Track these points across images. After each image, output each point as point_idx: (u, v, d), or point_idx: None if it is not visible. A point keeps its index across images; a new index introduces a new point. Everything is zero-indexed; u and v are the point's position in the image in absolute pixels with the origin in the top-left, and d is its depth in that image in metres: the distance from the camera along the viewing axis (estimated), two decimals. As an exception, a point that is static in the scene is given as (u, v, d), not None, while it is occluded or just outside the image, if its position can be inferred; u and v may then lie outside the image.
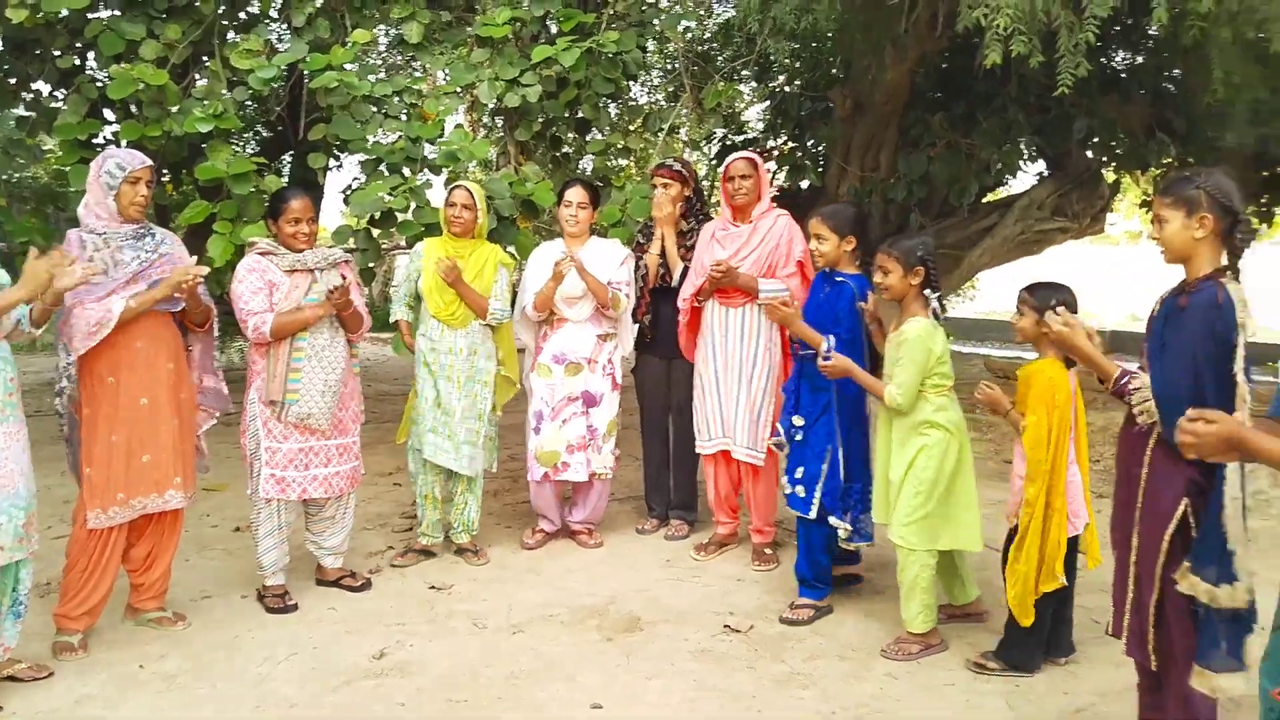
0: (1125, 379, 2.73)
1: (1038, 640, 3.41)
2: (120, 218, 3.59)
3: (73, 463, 3.68)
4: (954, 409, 3.61)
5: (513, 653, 3.63)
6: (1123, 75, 7.67)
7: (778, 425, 4.18)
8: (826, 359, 3.66)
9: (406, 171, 5.50)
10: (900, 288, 3.56)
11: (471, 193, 4.49)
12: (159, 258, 3.67)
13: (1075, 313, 3.22)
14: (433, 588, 4.28)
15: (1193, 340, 2.54)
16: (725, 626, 3.85)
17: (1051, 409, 3.25)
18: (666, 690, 3.34)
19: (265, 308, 3.89)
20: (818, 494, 3.92)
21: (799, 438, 4.02)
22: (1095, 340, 2.85)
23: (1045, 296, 3.29)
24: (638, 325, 4.97)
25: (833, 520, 3.91)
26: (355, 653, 3.61)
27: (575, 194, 4.72)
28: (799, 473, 3.98)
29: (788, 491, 4.02)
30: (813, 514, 3.91)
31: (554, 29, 6.26)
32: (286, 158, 8.98)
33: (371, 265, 5.61)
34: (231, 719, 3.14)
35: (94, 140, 5.66)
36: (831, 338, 3.77)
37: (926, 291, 3.57)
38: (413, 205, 5.31)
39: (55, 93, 6.45)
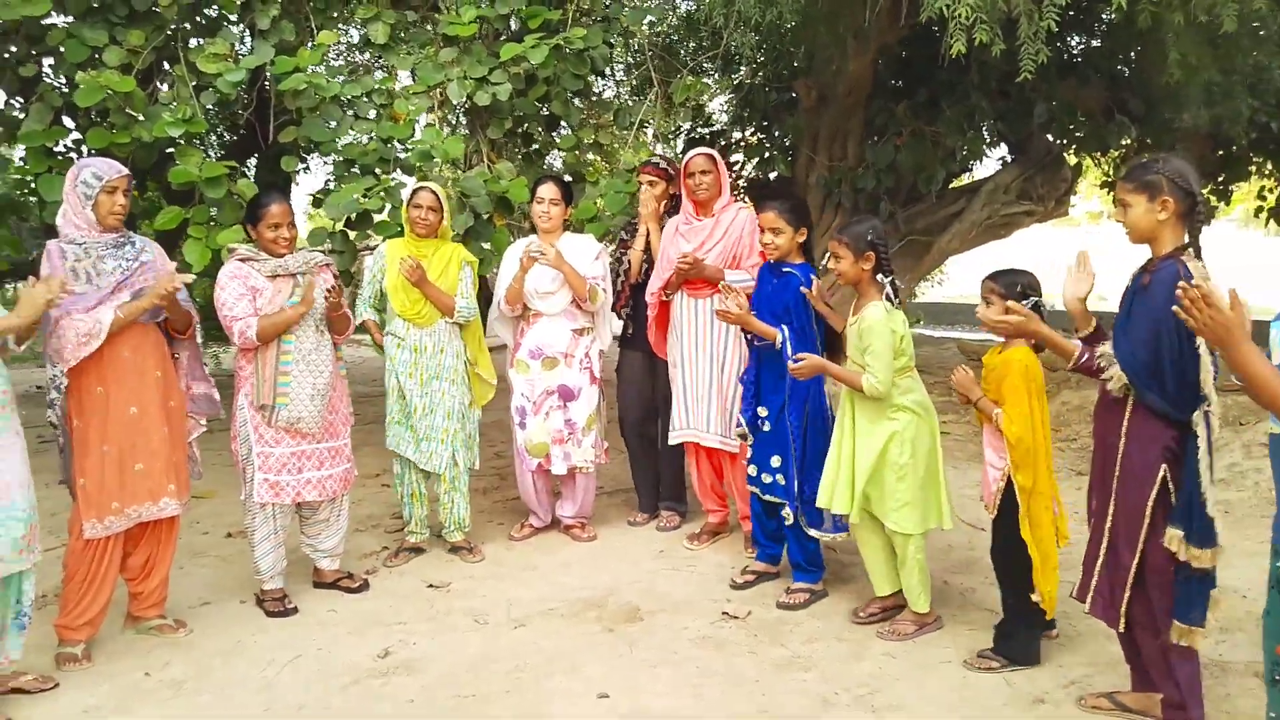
0: (1085, 356, 2.91)
1: (1036, 630, 3.46)
2: (99, 227, 3.58)
3: (66, 474, 3.66)
4: (919, 389, 3.67)
5: (515, 647, 3.67)
6: (1079, 59, 7.83)
7: (740, 416, 4.25)
8: (796, 362, 3.68)
9: (379, 172, 5.50)
10: (853, 273, 3.60)
11: (436, 194, 4.50)
12: (140, 266, 3.66)
13: (1040, 295, 3.33)
14: (431, 586, 4.31)
15: (1154, 314, 2.68)
16: (723, 614, 3.92)
17: (1032, 395, 3.30)
18: (670, 678, 3.40)
19: (249, 313, 3.90)
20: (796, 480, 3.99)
21: (765, 428, 4.09)
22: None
23: (1010, 283, 3.32)
24: (621, 321, 5.03)
25: (786, 511, 4.04)
26: (359, 653, 3.64)
27: (548, 190, 4.75)
28: (775, 461, 4.04)
29: (767, 481, 4.09)
30: (796, 502, 3.99)
31: (515, 26, 6.28)
32: (251, 161, 8.91)
33: (349, 269, 5.60)
34: (242, 723, 3.15)
35: (59, 148, 5.59)
36: (785, 328, 3.86)
37: (879, 276, 3.62)
38: (388, 206, 5.32)
39: (13, 101, 6.37)
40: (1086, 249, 3.13)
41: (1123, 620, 2.85)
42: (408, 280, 4.36)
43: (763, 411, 4.10)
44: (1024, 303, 3.28)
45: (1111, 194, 9.49)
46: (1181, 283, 2.13)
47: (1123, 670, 3.13)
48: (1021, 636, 3.43)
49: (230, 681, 3.43)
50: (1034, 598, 3.31)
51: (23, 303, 3.13)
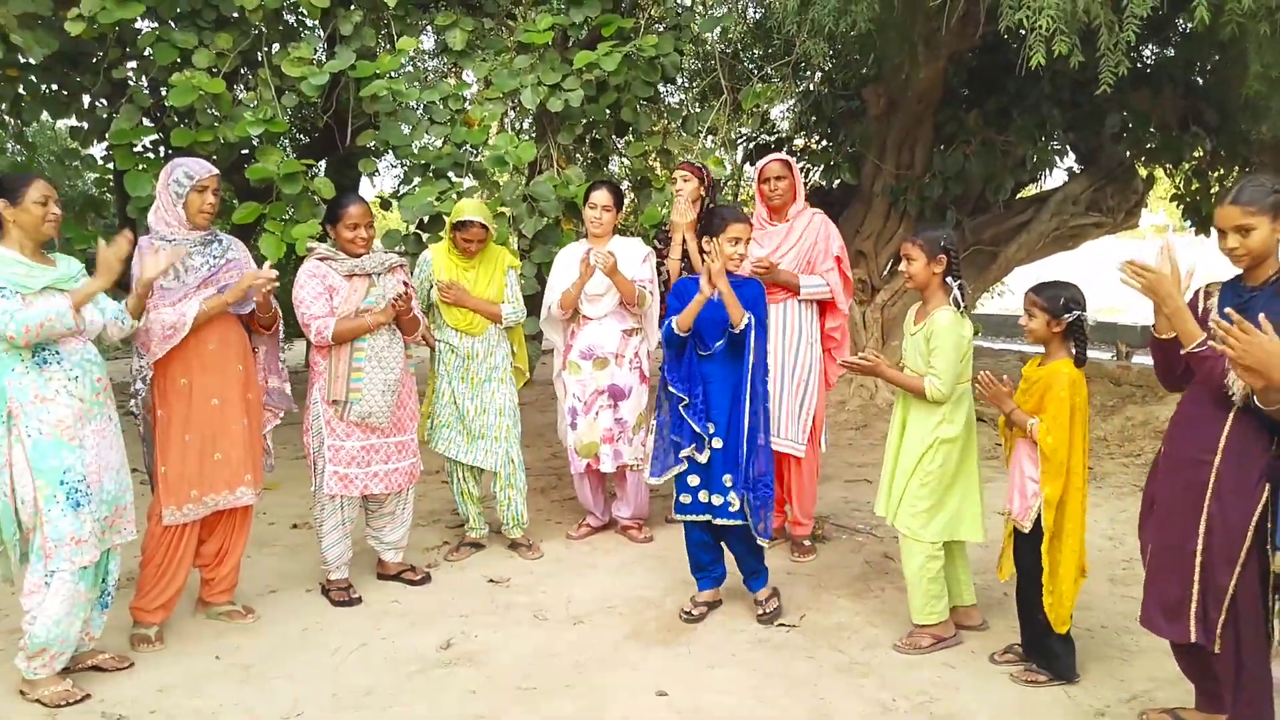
0: (1207, 345, 2.64)
1: (1071, 645, 3.40)
2: (189, 225, 3.72)
3: (147, 462, 3.81)
4: (968, 403, 3.64)
5: (575, 642, 3.73)
6: (1152, 69, 7.69)
7: (677, 437, 3.91)
8: (865, 359, 3.68)
9: (452, 176, 5.62)
10: (924, 276, 3.57)
11: (484, 223, 4.48)
12: (227, 262, 3.80)
13: (1084, 309, 3.28)
14: (491, 581, 4.39)
15: None
16: (780, 624, 3.92)
17: (1075, 410, 3.24)
18: (728, 678, 3.43)
19: (326, 312, 4.01)
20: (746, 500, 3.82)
21: (716, 444, 3.83)
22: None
23: (1053, 296, 3.29)
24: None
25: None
26: (422, 643, 3.72)
27: (601, 196, 4.80)
28: (727, 480, 3.82)
29: (719, 503, 3.84)
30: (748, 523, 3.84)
31: (586, 33, 6.36)
32: (322, 163, 9.13)
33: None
34: (311, 707, 3.25)
35: (139, 147, 5.79)
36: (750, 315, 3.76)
37: (949, 280, 3.59)
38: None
39: (98, 102, 6.61)
40: (1168, 244, 2.82)
41: (1219, 642, 2.75)
42: (446, 303, 4.49)
43: (710, 428, 3.83)
44: (1066, 316, 3.27)
45: (1182, 207, 9.31)
46: (1215, 319, 2.11)
47: (1184, 687, 3.09)
48: (1064, 653, 3.38)
49: (298, 667, 3.54)
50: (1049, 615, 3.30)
51: (100, 265, 3.28)
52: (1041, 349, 3.42)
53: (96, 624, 3.46)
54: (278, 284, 3.76)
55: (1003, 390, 3.38)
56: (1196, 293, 2.88)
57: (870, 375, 3.69)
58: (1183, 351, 2.70)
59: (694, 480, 3.89)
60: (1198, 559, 2.75)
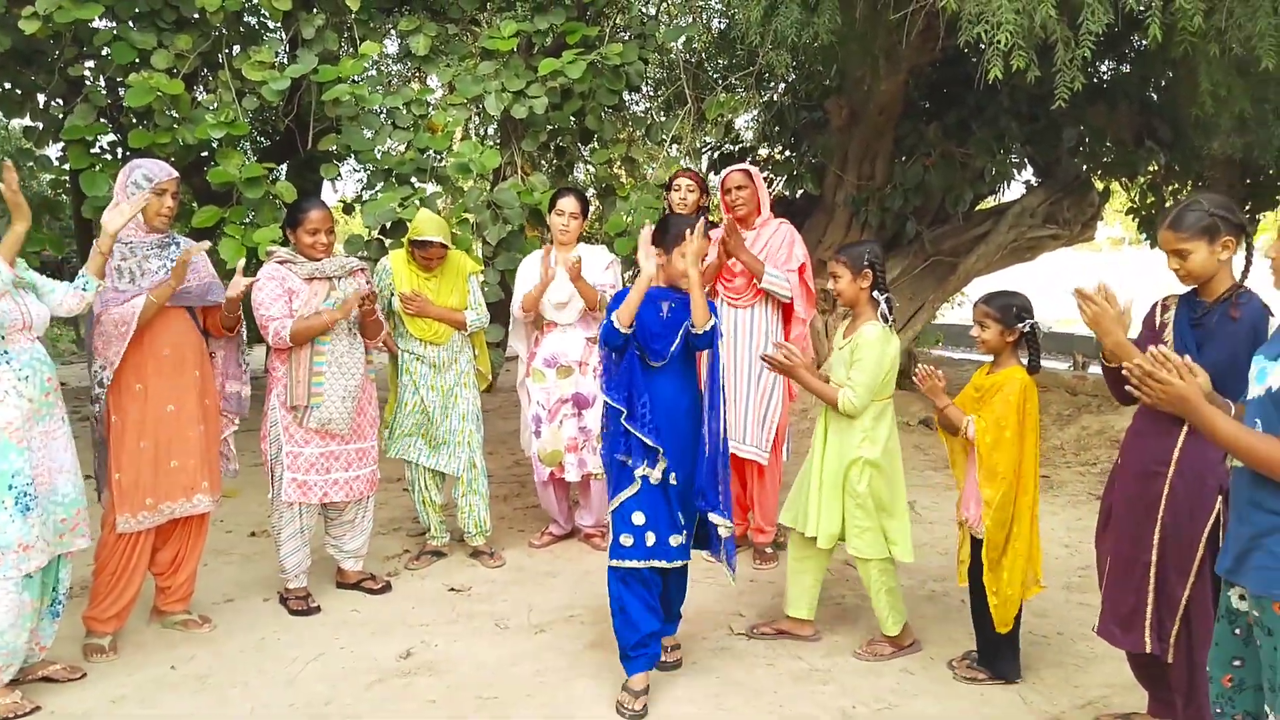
0: None
1: (1016, 647, 3.46)
2: (146, 227, 3.67)
3: (99, 469, 3.74)
4: (890, 419, 3.63)
5: (537, 652, 3.71)
6: (1109, 85, 7.83)
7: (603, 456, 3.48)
8: (786, 357, 3.53)
9: (415, 181, 5.59)
10: (851, 292, 3.56)
11: (443, 242, 4.45)
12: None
13: (1033, 318, 3.33)
14: (452, 589, 4.36)
15: (1237, 343, 2.62)
16: (741, 631, 3.94)
17: (1023, 416, 3.29)
18: (690, 686, 3.44)
19: (285, 314, 3.97)
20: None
21: (672, 480, 3.34)
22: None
23: (1004, 306, 3.34)
24: None
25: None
26: (382, 653, 3.69)
27: (569, 203, 4.81)
28: (681, 519, 3.36)
29: (676, 544, 3.32)
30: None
31: (552, 41, 6.37)
32: (284, 166, 9.05)
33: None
34: (269, 717, 3.21)
35: (97, 148, 5.71)
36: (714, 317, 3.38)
37: (875, 294, 3.59)
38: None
39: (54, 101, 6.50)
40: (1105, 286, 2.85)
41: (1172, 652, 2.79)
42: (409, 314, 4.46)
43: (656, 473, 3.28)
44: (1019, 325, 3.32)
45: (1137, 220, 9.50)
46: (1125, 364, 2.19)
47: (1138, 693, 3.15)
48: (1006, 653, 3.45)
49: (255, 677, 3.49)
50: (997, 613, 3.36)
51: (107, 221, 3.36)
52: (991, 358, 3.46)
53: (47, 634, 3.39)
54: (202, 253, 3.72)
55: (939, 385, 3.39)
56: (1155, 305, 2.94)
57: (786, 375, 3.60)
58: (1126, 388, 2.75)
59: (638, 517, 3.25)
60: (1152, 570, 2.80)
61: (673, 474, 3.30)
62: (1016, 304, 3.34)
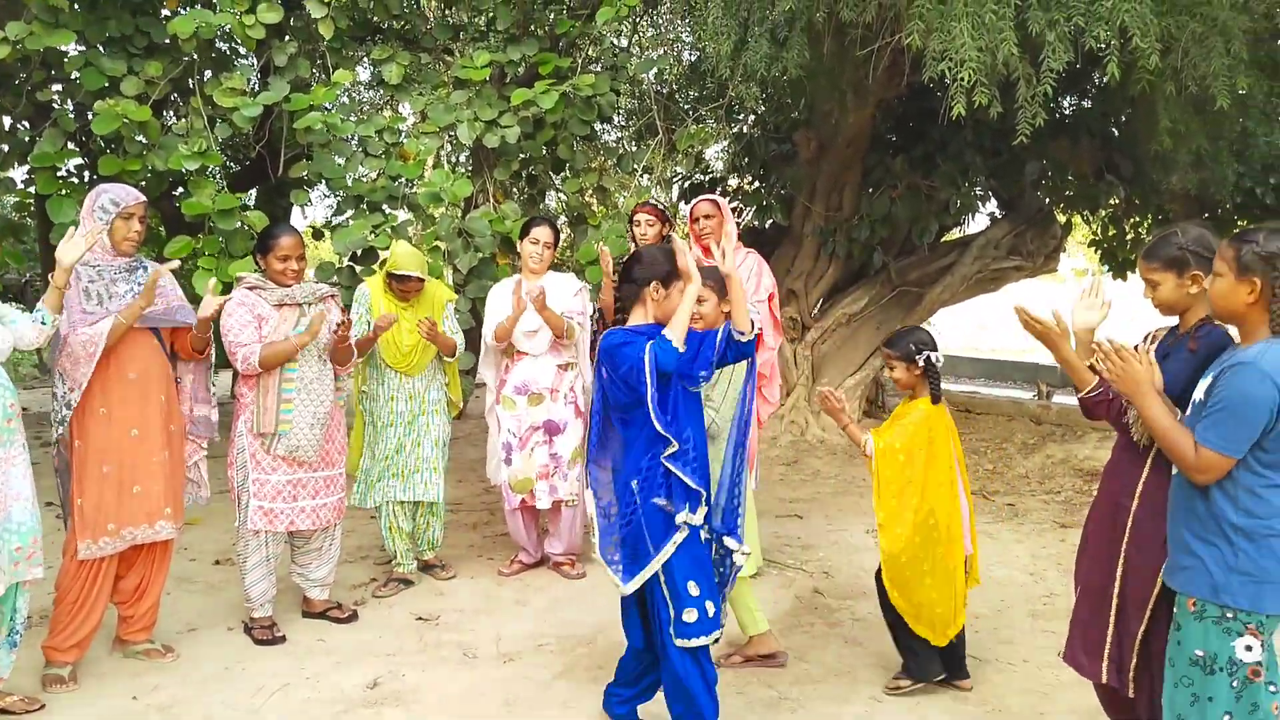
0: (1101, 389, 2.82)
1: (934, 649, 3.58)
2: (113, 252, 3.65)
3: (62, 495, 3.70)
4: None
5: (505, 681, 3.69)
6: (1070, 120, 8.02)
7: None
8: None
9: (386, 209, 5.60)
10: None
11: (420, 276, 4.54)
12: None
13: (934, 349, 3.51)
14: (420, 619, 4.33)
15: (1190, 372, 2.61)
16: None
17: (933, 440, 3.45)
18: (659, 715, 3.42)
19: (254, 340, 3.96)
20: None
21: (684, 537, 3.01)
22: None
23: (903, 344, 3.55)
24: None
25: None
26: (348, 683, 3.66)
27: (543, 233, 4.85)
28: (693, 589, 3.01)
29: (691, 620, 2.97)
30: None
31: (524, 71, 6.43)
32: (252, 193, 9.03)
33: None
34: (231, 749, 3.17)
35: (64, 172, 5.68)
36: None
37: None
38: (393, 244, 5.40)
39: (20, 124, 6.46)
40: (1098, 277, 3.13)
41: (1132, 686, 2.79)
42: (425, 339, 4.47)
43: (699, 518, 3.01)
44: (919, 359, 3.49)
45: (1099, 252, 9.69)
46: (1097, 340, 2.42)
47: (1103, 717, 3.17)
48: (922, 654, 3.57)
49: (218, 707, 3.44)
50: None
51: (61, 254, 3.30)
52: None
53: (4, 664, 3.31)
54: (168, 273, 3.72)
55: (836, 406, 3.50)
56: (1145, 336, 2.98)
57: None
58: (1078, 396, 2.88)
59: (694, 588, 2.96)
60: (1114, 602, 2.81)
61: (684, 528, 3.00)
62: (914, 340, 3.55)
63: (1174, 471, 2.40)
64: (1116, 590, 2.81)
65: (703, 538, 3.04)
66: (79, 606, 3.62)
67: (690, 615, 2.94)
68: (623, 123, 8.66)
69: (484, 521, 5.99)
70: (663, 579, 2.97)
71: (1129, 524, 2.77)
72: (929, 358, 3.47)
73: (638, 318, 3.12)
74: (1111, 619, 2.83)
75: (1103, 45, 4.61)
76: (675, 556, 2.95)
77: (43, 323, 3.36)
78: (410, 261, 4.50)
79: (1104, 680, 2.86)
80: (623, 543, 3.03)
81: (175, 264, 3.75)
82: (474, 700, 3.53)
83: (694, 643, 2.94)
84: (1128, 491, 2.79)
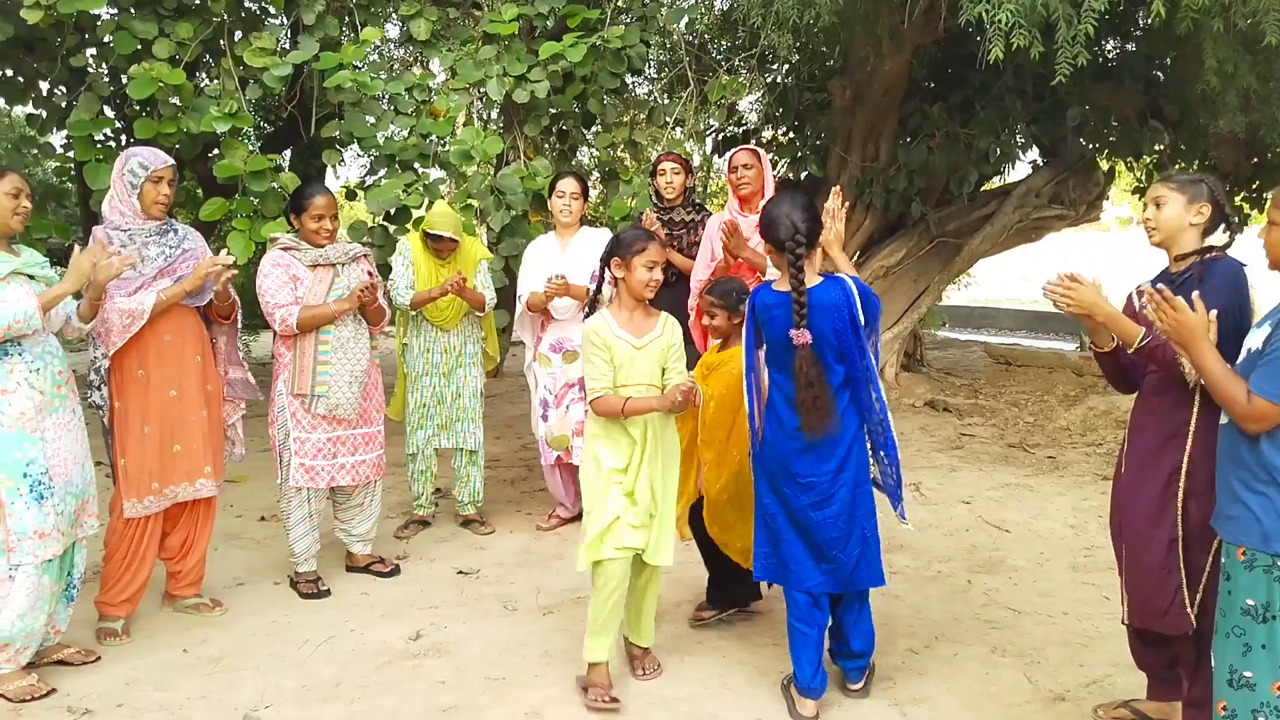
0: (1151, 338, 2.68)
1: (735, 581, 3.74)
2: (144, 215, 3.68)
3: (109, 455, 3.78)
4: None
5: (545, 633, 3.74)
6: (1114, 64, 7.81)
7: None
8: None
9: (418, 167, 5.60)
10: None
11: (454, 237, 4.60)
12: (182, 253, 3.76)
13: (743, 301, 3.46)
14: (460, 573, 4.39)
15: (1218, 299, 2.53)
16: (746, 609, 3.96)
17: (736, 391, 3.45)
18: (697, 666, 3.46)
19: (290, 301, 3.99)
20: None
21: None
22: None
23: (727, 293, 3.61)
24: None
25: None
26: (391, 635, 3.72)
27: (568, 185, 4.84)
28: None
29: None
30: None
31: (553, 24, 6.36)
32: (287, 153, 9.06)
33: (386, 261, 5.71)
34: (279, 699, 3.24)
35: (105, 136, 5.73)
36: None
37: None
38: (426, 201, 5.42)
39: (57, 89, 6.52)
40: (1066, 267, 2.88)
41: (1195, 622, 2.73)
42: (450, 292, 4.52)
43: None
44: (741, 308, 3.48)
45: (1142, 199, 9.47)
46: (1147, 287, 2.34)
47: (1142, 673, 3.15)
48: (726, 585, 3.77)
49: (266, 659, 3.53)
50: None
51: (71, 269, 3.24)
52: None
53: (62, 618, 3.43)
54: (235, 271, 3.74)
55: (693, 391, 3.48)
56: (1129, 296, 2.94)
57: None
58: (1130, 350, 2.74)
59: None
60: (1180, 546, 2.74)
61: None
62: (735, 289, 3.62)
63: (1221, 420, 2.35)
64: (1181, 534, 2.73)
65: None
66: (128, 563, 3.71)
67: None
68: (653, 75, 8.56)
69: (521, 477, 6.05)
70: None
71: (1184, 463, 2.71)
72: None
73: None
74: (1181, 561, 2.75)
75: (1148, -18, 4.48)
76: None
77: (75, 325, 3.42)
78: (444, 222, 4.57)
79: (1193, 626, 2.74)
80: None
81: (230, 259, 3.73)
82: (514, 651, 3.58)
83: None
84: (1178, 433, 2.73)
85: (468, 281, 4.59)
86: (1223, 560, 2.35)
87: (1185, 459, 2.72)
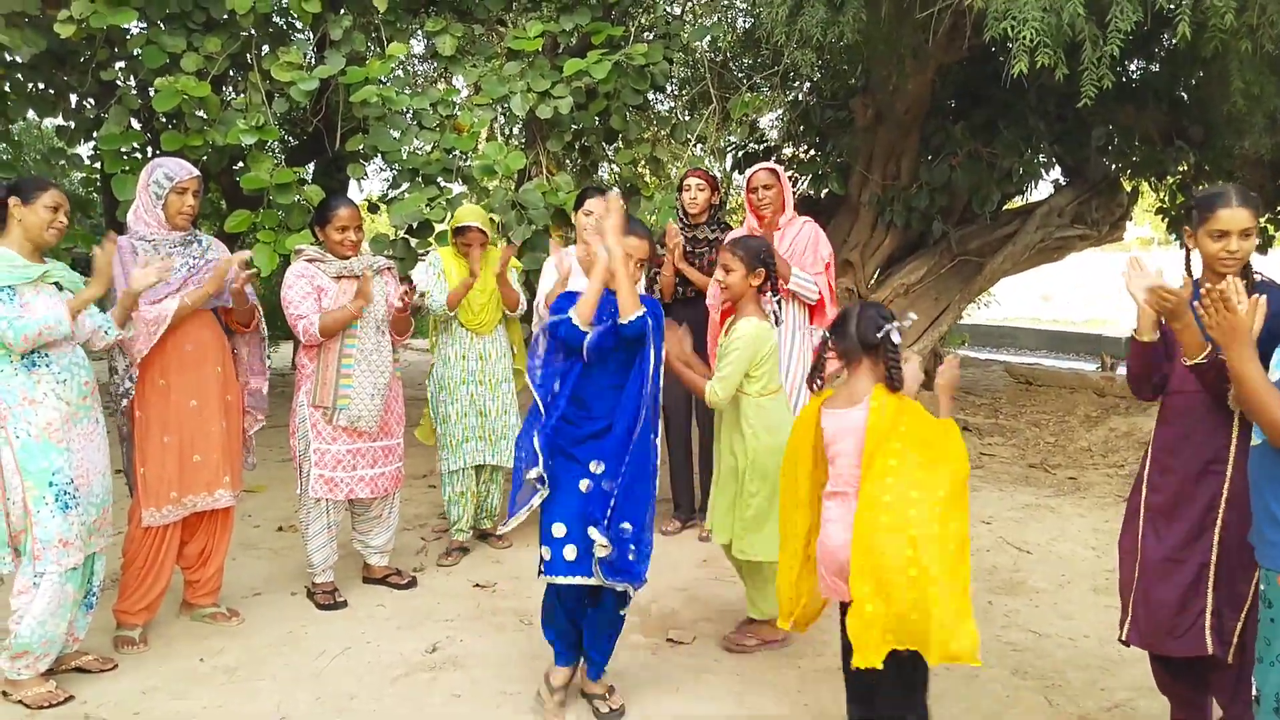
0: (1214, 350, 2.56)
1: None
2: (168, 225, 3.72)
3: (127, 464, 3.80)
4: (776, 411, 3.56)
5: (560, 648, 3.72)
6: (1138, 84, 7.76)
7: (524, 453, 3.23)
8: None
9: (441, 182, 5.63)
10: (740, 287, 3.46)
11: (481, 227, 4.65)
12: (206, 263, 3.81)
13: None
14: (477, 585, 4.39)
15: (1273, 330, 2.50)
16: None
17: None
18: (712, 684, 3.44)
19: (314, 311, 4.01)
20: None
21: (599, 469, 3.12)
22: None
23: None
24: None
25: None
26: (408, 647, 3.72)
27: (598, 205, 4.83)
28: (626, 527, 3.07)
29: (602, 555, 3.06)
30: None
31: (577, 41, 6.40)
32: (311, 166, 9.14)
33: (408, 274, 5.74)
34: (295, 710, 3.24)
35: (132, 147, 5.80)
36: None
37: (768, 295, 3.57)
38: (448, 215, 5.44)
39: (86, 102, 6.61)
40: (1136, 256, 2.84)
41: (1233, 651, 2.69)
42: (495, 273, 4.60)
43: (596, 467, 3.12)
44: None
45: (1166, 221, 9.39)
46: (1206, 283, 2.26)
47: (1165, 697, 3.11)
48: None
49: (282, 670, 3.53)
50: None
51: (96, 274, 3.29)
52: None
53: (81, 625, 3.45)
54: (253, 270, 3.77)
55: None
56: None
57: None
58: (1188, 364, 2.65)
59: (558, 529, 3.15)
60: (1211, 570, 2.69)
61: (602, 478, 3.17)
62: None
63: (1254, 440, 2.24)
64: (1214, 558, 2.68)
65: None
66: (146, 571, 3.73)
67: (544, 553, 3.23)
68: (676, 92, 8.58)
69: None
70: None
71: (1225, 488, 2.66)
72: (887, 333, 2.94)
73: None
74: (1210, 587, 2.70)
75: (1173, 4, 4.45)
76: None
77: (106, 332, 3.44)
78: (468, 214, 4.67)
79: (1209, 650, 2.71)
80: None
81: (247, 255, 3.82)
82: (530, 665, 3.57)
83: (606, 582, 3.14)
84: (1217, 458, 2.67)
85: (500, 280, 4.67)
86: (1262, 587, 2.28)
87: (1226, 484, 2.67)
